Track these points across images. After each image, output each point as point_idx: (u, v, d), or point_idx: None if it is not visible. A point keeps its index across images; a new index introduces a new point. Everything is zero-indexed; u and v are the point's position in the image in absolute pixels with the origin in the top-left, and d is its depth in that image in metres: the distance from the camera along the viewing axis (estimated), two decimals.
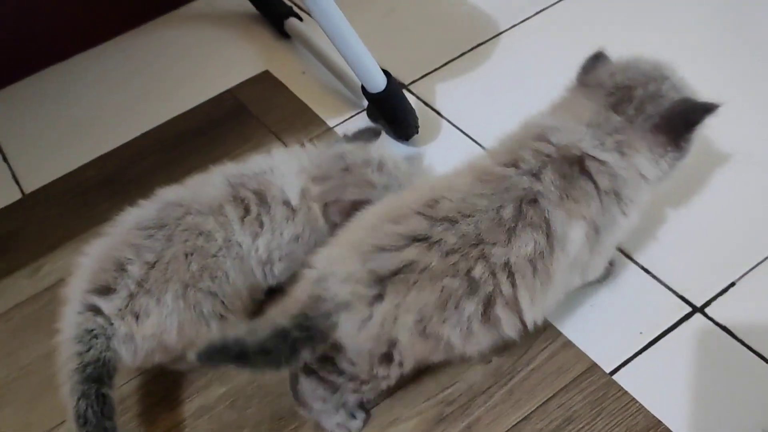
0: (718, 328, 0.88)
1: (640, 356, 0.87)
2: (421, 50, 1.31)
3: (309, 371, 0.80)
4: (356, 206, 0.83)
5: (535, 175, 0.76)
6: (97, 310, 0.81)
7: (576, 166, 0.77)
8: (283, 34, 1.38)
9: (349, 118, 1.21)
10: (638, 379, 0.85)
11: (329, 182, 0.91)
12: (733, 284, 0.91)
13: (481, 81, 1.24)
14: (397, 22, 1.38)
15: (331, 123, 1.21)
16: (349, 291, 0.73)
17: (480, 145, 1.13)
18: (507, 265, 0.74)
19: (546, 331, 0.90)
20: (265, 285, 0.93)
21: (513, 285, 0.75)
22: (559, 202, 0.75)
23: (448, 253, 0.73)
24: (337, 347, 0.75)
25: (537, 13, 1.33)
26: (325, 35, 0.99)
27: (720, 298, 0.90)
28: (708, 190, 1.01)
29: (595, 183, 0.77)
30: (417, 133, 1.13)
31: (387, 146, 0.98)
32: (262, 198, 0.89)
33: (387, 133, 1.14)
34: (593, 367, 0.86)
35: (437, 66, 1.28)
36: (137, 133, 1.29)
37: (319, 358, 0.77)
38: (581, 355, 0.87)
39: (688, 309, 0.90)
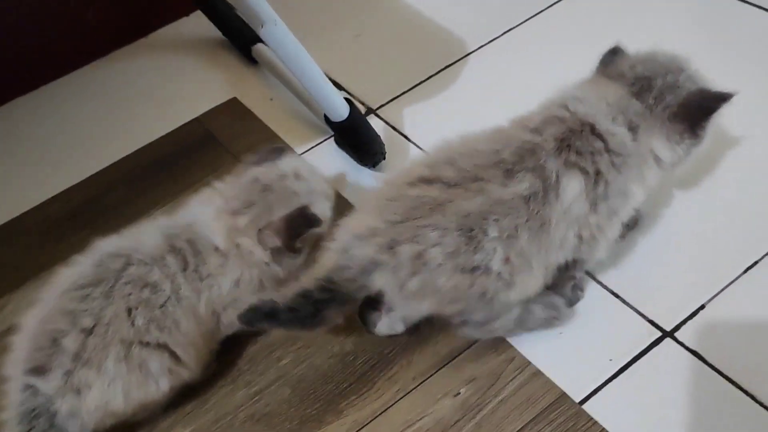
0: (688, 353, 0.87)
1: (609, 384, 0.86)
2: (389, 73, 1.31)
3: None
4: (290, 221, 0.86)
5: (538, 131, 0.82)
6: (36, 390, 0.78)
7: (587, 128, 0.81)
8: (251, 60, 1.37)
9: (317, 145, 1.20)
10: (608, 408, 0.83)
11: (254, 208, 0.89)
12: (702, 307, 0.90)
13: (449, 103, 1.23)
14: (364, 45, 1.38)
15: (299, 150, 1.20)
16: (371, 248, 0.78)
17: None
18: (502, 201, 0.78)
19: (514, 360, 0.89)
20: (220, 335, 0.91)
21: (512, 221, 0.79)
22: (556, 152, 0.80)
23: (449, 186, 0.79)
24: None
25: (505, 32, 1.33)
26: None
27: (690, 322, 0.89)
28: (674, 212, 1.00)
29: (605, 142, 0.81)
30: (384, 159, 1.12)
31: (293, 159, 0.96)
32: (195, 248, 0.87)
33: (354, 160, 1.13)
34: (562, 396, 0.85)
35: (405, 89, 1.27)
36: (105, 165, 1.27)
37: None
38: (550, 385, 0.86)
39: (658, 334, 0.89)
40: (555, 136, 0.81)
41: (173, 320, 0.83)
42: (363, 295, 0.83)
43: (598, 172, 0.81)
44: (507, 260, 0.79)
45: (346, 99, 1.03)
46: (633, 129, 0.83)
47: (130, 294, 0.82)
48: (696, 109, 0.84)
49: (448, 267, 0.78)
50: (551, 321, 0.90)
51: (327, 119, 1.03)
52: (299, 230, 0.88)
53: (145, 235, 0.88)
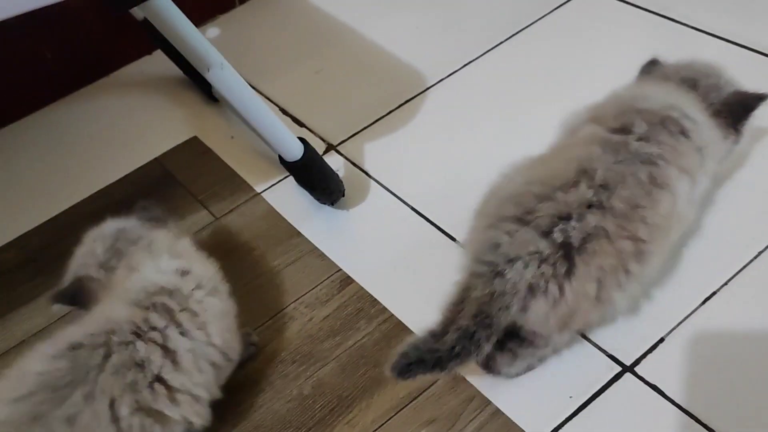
0: (648, 388, 0.86)
1: (570, 422, 0.84)
2: (350, 109, 1.30)
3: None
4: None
5: (649, 139, 0.84)
6: None
7: (677, 126, 0.85)
8: (212, 98, 1.36)
9: (277, 182, 1.19)
10: None
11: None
12: (662, 340, 0.90)
13: (409, 138, 1.23)
14: (325, 81, 1.37)
15: (259, 188, 1.19)
16: (533, 273, 0.76)
17: (408, 205, 1.12)
18: (653, 227, 0.80)
19: (474, 400, 0.87)
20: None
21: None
22: (673, 160, 0.83)
23: (617, 217, 0.79)
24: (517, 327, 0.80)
25: (464, 66, 1.33)
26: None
27: (650, 356, 0.89)
28: None
29: (692, 140, 0.85)
30: (342, 196, 1.11)
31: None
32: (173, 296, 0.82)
33: (314, 197, 1.12)
34: None
35: (365, 125, 1.27)
36: (63, 209, 1.25)
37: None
38: (510, 425, 0.85)
39: (618, 369, 0.88)
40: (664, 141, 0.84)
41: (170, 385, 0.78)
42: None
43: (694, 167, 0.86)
44: (625, 290, 0.82)
45: (300, 138, 1.02)
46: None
47: (113, 385, 0.75)
48: (738, 107, 0.91)
49: (590, 300, 0.79)
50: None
51: (282, 160, 1.02)
52: None
53: (112, 312, 0.80)
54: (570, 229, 0.78)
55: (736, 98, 0.92)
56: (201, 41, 0.87)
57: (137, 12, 1.32)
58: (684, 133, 0.86)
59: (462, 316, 0.77)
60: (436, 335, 0.77)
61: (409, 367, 0.76)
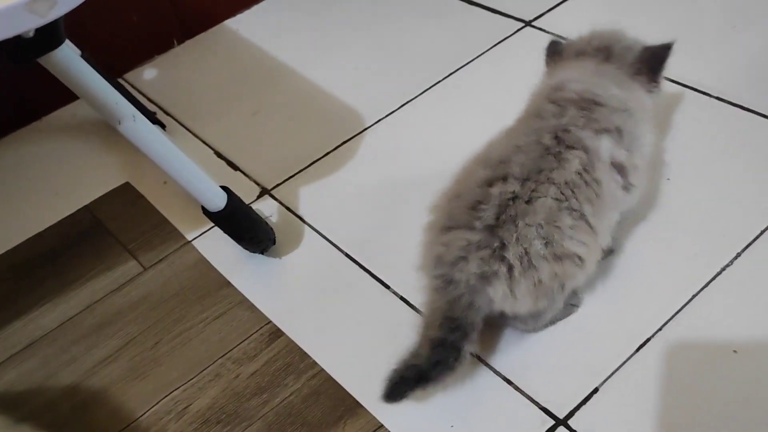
0: None
1: None
2: (285, 152, 1.27)
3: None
4: None
5: (560, 114, 0.89)
6: None
7: (591, 101, 0.90)
8: None
9: (207, 230, 1.15)
10: None
11: None
12: (596, 390, 0.87)
13: (345, 181, 1.20)
14: (261, 123, 1.35)
15: (189, 236, 1.16)
16: (476, 264, 0.80)
17: (343, 251, 1.09)
18: (568, 183, 0.84)
19: None
20: None
21: (577, 199, 0.84)
22: (585, 124, 0.87)
23: (524, 182, 0.83)
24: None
25: (402, 105, 1.31)
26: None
27: (584, 407, 0.86)
28: None
29: (610, 107, 0.90)
30: (273, 244, 1.08)
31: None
32: None
33: (242, 247, 1.09)
34: None
35: (301, 167, 1.24)
36: None
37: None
38: None
39: (551, 422, 0.85)
40: (576, 114, 0.89)
41: None
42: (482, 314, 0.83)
43: (618, 128, 0.89)
44: (581, 242, 0.84)
45: (223, 187, 0.99)
46: (623, 88, 0.94)
47: None
48: (652, 60, 0.97)
49: (548, 259, 0.82)
50: (572, 309, 0.94)
51: (204, 210, 0.99)
52: None
53: None
54: (487, 212, 0.82)
55: (648, 53, 0.98)
56: (110, 93, 0.83)
57: None
58: (596, 102, 0.90)
59: (429, 328, 0.82)
60: (412, 353, 0.82)
61: (394, 388, 0.80)
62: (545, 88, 0.95)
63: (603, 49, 0.98)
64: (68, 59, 0.77)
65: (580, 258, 0.85)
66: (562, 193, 0.83)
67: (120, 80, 1.50)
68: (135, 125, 0.85)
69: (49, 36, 0.73)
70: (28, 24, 0.63)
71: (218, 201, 0.96)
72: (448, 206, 0.87)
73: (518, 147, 0.87)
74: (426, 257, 0.87)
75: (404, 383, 0.81)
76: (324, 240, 1.11)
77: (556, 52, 1.03)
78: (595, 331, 0.92)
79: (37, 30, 0.70)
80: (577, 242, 0.84)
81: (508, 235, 0.81)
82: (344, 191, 1.19)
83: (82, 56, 1.22)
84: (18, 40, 0.70)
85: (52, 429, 0.93)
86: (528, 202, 0.82)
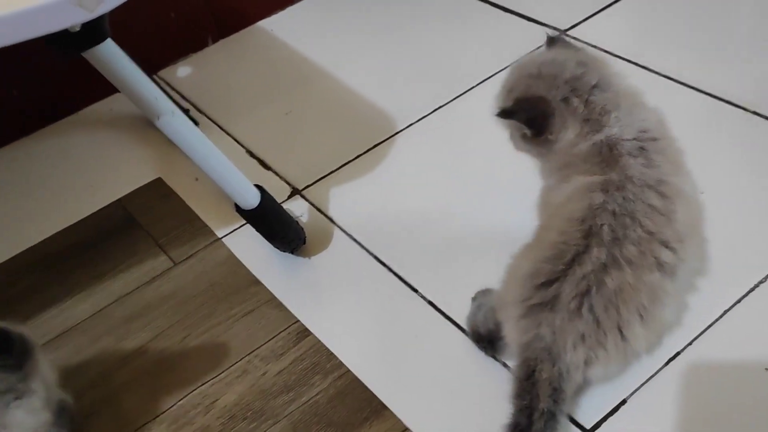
0: None
1: None
2: (317, 153, 1.28)
3: None
4: None
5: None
6: None
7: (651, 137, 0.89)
8: None
9: (238, 228, 1.16)
10: None
11: None
12: (624, 402, 0.87)
13: (376, 184, 1.21)
14: (294, 123, 1.35)
15: (220, 233, 1.17)
16: (584, 350, 0.81)
17: (372, 254, 1.09)
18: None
19: None
20: None
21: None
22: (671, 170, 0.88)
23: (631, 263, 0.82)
24: None
25: (432, 111, 1.32)
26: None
27: (611, 418, 0.86)
28: None
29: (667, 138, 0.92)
30: (303, 244, 1.08)
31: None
32: None
33: (273, 245, 1.09)
34: None
35: (332, 169, 1.24)
36: (22, 248, 1.22)
37: None
38: None
39: None
40: None
41: None
42: None
43: None
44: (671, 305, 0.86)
45: (257, 185, 0.99)
46: None
47: None
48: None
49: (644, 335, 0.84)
50: None
51: (237, 208, 1.00)
52: None
53: None
54: (592, 299, 0.81)
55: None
56: (151, 88, 0.85)
57: None
58: (657, 138, 0.89)
59: (539, 399, 0.80)
60: (522, 427, 0.79)
61: None
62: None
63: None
64: (112, 54, 0.79)
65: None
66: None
67: (154, 77, 1.52)
68: (174, 120, 0.86)
69: (94, 31, 0.74)
70: (76, 18, 0.64)
71: (252, 199, 0.97)
72: (536, 270, 0.85)
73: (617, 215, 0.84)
74: (515, 327, 0.85)
75: None
76: (353, 241, 1.12)
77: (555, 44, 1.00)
78: None
79: (83, 24, 0.72)
80: (669, 309, 0.86)
81: (610, 324, 0.81)
82: (374, 194, 1.19)
83: None
84: (65, 33, 0.72)
85: (79, 418, 0.94)
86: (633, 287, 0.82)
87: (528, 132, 0.91)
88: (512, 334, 0.86)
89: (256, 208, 0.98)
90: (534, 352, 0.82)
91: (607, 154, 0.87)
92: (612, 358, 0.83)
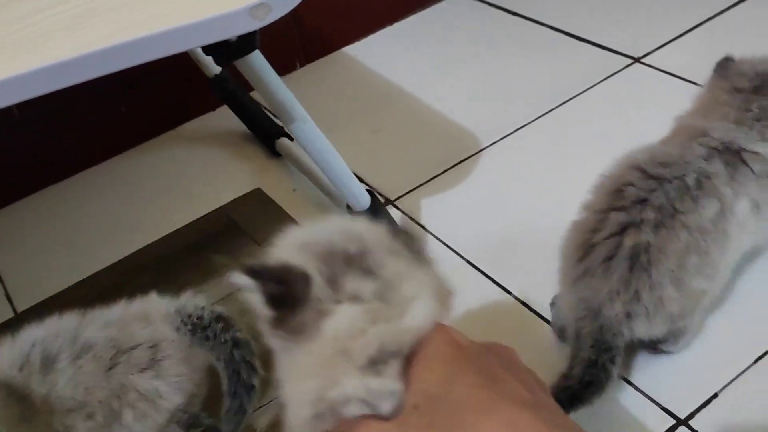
0: None
1: None
2: (406, 167, 1.37)
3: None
4: None
5: (707, 160, 0.90)
6: None
7: (737, 157, 0.92)
8: (274, 152, 1.43)
9: None
10: None
11: None
12: (716, 395, 0.92)
13: (463, 195, 1.29)
14: (382, 140, 1.44)
15: None
16: (624, 301, 0.87)
17: (463, 258, 1.16)
18: (699, 229, 0.88)
19: None
20: None
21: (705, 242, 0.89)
22: (728, 181, 0.90)
23: (657, 228, 0.87)
24: None
25: (517, 129, 1.40)
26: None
27: (704, 410, 0.91)
28: None
29: (751, 169, 0.92)
30: None
31: None
32: None
33: None
34: None
35: (421, 182, 1.33)
36: (132, 250, 1.31)
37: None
38: None
39: (672, 421, 0.90)
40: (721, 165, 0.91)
41: None
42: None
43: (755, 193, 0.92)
44: (707, 276, 0.90)
45: (367, 190, 1.08)
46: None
47: None
48: None
49: (677, 299, 0.88)
50: None
51: (350, 209, 1.08)
52: None
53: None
54: (621, 264, 0.87)
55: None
56: (288, 95, 0.94)
57: (208, 70, 1.41)
58: (744, 162, 0.92)
59: (581, 350, 0.87)
60: (565, 375, 0.87)
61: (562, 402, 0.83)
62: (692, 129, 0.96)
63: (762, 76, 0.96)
64: (258, 63, 0.88)
65: (704, 291, 0.91)
66: (693, 237, 0.88)
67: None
68: (305, 126, 0.95)
69: (247, 41, 0.84)
70: (247, 27, 0.73)
71: (364, 201, 1.05)
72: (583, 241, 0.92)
73: (659, 179, 0.90)
74: (569, 290, 0.92)
75: (569, 400, 0.85)
76: (446, 247, 1.19)
77: (725, 68, 0.99)
78: (716, 340, 0.97)
79: (239, 35, 0.81)
80: (703, 279, 0.90)
81: (643, 285, 0.87)
82: (463, 204, 1.27)
83: (222, 73, 1.35)
84: (224, 43, 0.81)
85: None
86: (660, 250, 0.87)
87: None
88: (568, 315, 0.92)
89: (368, 209, 1.07)
90: (580, 313, 0.89)
91: None
92: (651, 313, 0.87)
